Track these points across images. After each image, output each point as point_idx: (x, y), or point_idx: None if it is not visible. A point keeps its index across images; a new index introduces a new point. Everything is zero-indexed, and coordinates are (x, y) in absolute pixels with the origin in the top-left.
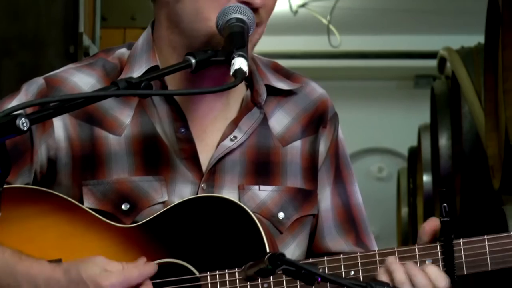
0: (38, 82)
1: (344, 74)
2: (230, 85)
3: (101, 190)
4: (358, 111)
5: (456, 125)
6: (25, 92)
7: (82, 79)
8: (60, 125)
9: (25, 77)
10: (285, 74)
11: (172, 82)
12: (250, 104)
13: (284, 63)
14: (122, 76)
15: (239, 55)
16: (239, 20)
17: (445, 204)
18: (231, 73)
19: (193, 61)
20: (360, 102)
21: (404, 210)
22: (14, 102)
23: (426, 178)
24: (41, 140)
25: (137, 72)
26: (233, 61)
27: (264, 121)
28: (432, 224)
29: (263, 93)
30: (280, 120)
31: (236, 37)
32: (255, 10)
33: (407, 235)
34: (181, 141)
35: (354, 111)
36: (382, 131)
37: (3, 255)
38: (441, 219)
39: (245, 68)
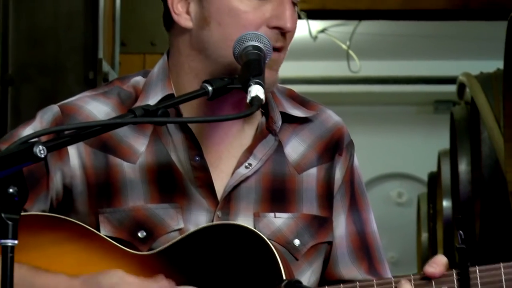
0: (53, 110)
1: (363, 99)
2: (246, 112)
3: (117, 218)
4: (378, 136)
5: (475, 151)
6: (40, 119)
7: (96, 107)
8: (75, 153)
9: (44, 103)
10: (301, 101)
11: (188, 110)
12: (265, 131)
13: (303, 88)
14: (137, 105)
15: (256, 83)
16: (255, 47)
17: (461, 232)
18: (247, 100)
19: (210, 88)
20: (380, 127)
21: (424, 235)
22: (29, 130)
23: (446, 203)
24: (56, 167)
25: (152, 100)
26: (249, 88)
27: (279, 148)
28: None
29: (278, 120)
30: (296, 147)
31: (252, 65)
32: (284, 34)
33: (427, 260)
34: (196, 169)
35: (374, 136)
36: (402, 156)
37: (20, 271)
38: (457, 246)
39: (261, 95)
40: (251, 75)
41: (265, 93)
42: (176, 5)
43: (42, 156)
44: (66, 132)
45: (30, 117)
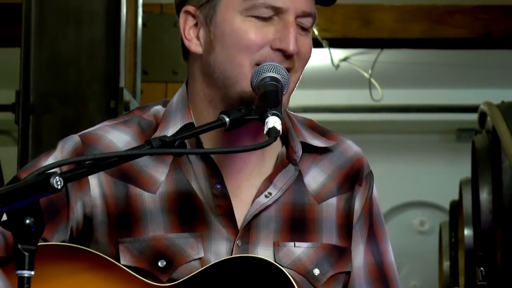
0: (73, 140)
1: (386, 127)
2: (263, 143)
3: (137, 248)
4: (400, 164)
5: (496, 180)
6: (60, 149)
7: (117, 137)
8: (95, 183)
9: (65, 132)
10: (321, 131)
11: (207, 138)
12: (285, 161)
13: (326, 116)
14: (157, 134)
15: (273, 114)
16: (273, 79)
17: (482, 268)
18: (264, 132)
19: (227, 119)
20: (402, 155)
21: (446, 264)
22: (50, 160)
23: (467, 232)
24: (77, 197)
25: (171, 129)
26: (266, 119)
27: (299, 178)
28: None
29: (299, 150)
30: (315, 177)
31: (270, 96)
32: (289, 57)
33: None
34: (217, 198)
35: (396, 165)
36: (424, 184)
37: None
38: (478, 283)
39: (278, 127)
40: (268, 106)
41: (283, 123)
42: (188, 31)
43: (59, 187)
44: (85, 163)
45: (52, 145)
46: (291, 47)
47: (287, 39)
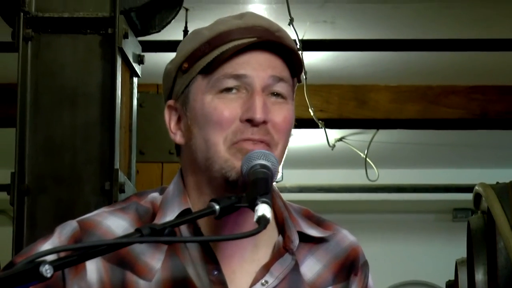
0: (72, 226)
1: (382, 207)
2: (253, 231)
3: None
4: (396, 244)
5: (492, 261)
6: (58, 235)
7: (115, 223)
8: (93, 269)
9: (60, 214)
10: (316, 221)
11: (203, 223)
12: (282, 250)
13: (322, 196)
14: (156, 221)
15: (263, 202)
16: (263, 166)
17: None
18: (254, 219)
19: (217, 207)
20: (398, 235)
21: None
22: (47, 245)
23: None
24: (73, 282)
25: (169, 216)
26: (256, 207)
27: (296, 267)
28: None
29: (295, 239)
30: (311, 266)
31: (260, 183)
32: (257, 125)
33: None
34: (214, 284)
35: (392, 244)
36: (420, 264)
37: None
38: None
39: (268, 214)
40: (258, 194)
41: (279, 212)
42: (174, 125)
43: (48, 275)
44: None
45: (46, 227)
46: (257, 115)
47: (253, 107)
